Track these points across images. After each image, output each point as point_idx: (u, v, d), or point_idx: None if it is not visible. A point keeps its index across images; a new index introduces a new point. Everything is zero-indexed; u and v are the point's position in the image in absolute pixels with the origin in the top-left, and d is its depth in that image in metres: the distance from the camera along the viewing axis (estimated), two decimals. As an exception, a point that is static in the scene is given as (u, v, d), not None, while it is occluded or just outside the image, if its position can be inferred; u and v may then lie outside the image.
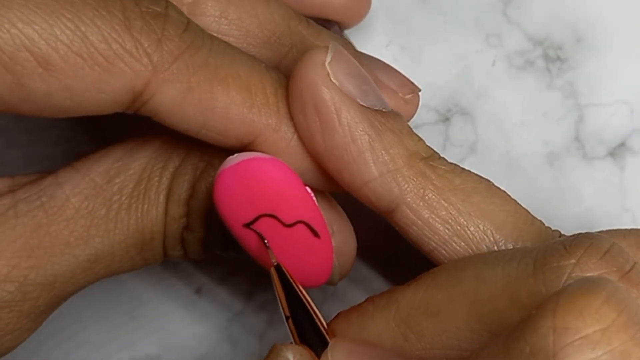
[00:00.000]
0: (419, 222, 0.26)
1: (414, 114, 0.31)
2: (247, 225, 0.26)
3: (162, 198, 0.28)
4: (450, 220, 0.26)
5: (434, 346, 0.25)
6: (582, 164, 0.36)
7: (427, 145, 0.27)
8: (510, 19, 0.37)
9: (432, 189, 0.26)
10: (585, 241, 0.24)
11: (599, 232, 0.27)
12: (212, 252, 0.29)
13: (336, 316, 0.27)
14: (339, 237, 0.28)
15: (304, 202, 0.27)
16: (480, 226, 0.26)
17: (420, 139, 0.27)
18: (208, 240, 0.29)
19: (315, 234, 0.27)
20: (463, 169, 0.27)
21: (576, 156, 0.36)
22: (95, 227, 0.27)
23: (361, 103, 0.26)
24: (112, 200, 0.27)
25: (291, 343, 0.26)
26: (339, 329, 0.27)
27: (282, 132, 0.26)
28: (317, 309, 0.26)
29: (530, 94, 0.36)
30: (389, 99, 0.30)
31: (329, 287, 0.35)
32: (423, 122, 0.36)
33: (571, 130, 0.36)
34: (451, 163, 0.27)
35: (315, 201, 0.27)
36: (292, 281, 0.26)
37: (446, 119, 0.36)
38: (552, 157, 0.36)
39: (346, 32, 0.35)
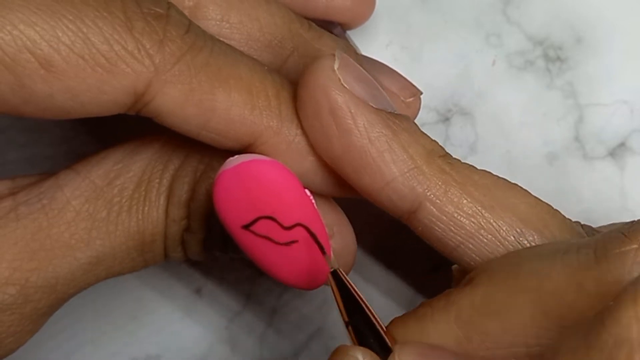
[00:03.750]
0: (444, 217, 0.27)
1: (416, 117, 0.31)
2: (246, 227, 0.26)
3: (162, 200, 0.28)
4: (475, 214, 0.26)
5: (499, 345, 0.25)
6: (582, 164, 0.36)
7: (440, 145, 0.27)
8: (510, 19, 0.37)
9: (454, 184, 0.27)
10: None
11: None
12: (212, 253, 0.29)
13: (391, 322, 0.27)
14: (339, 239, 0.28)
15: (302, 205, 0.27)
16: (505, 219, 0.27)
17: (433, 139, 0.27)
18: (208, 242, 0.29)
19: (313, 236, 0.27)
20: (477, 168, 0.28)
21: (576, 156, 0.36)
22: (96, 229, 0.27)
23: (374, 105, 0.26)
24: (113, 202, 0.27)
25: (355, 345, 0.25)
26: (397, 334, 0.26)
27: (283, 134, 0.26)
28: (376, 313, 0.26)
29: (530, 94, 0.36)
30: None
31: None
32: (423, 122, 0.36)
33: (571, 130, 0.36)
34: (465, 162, 0.28)
35: (314, 204, 0.27)
36: (350, 286, 0.26)
37: (446, 119, 0.36)
38: (552, 157, 0.36)
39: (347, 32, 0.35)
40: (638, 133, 0.36)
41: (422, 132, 0.27)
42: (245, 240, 0.26)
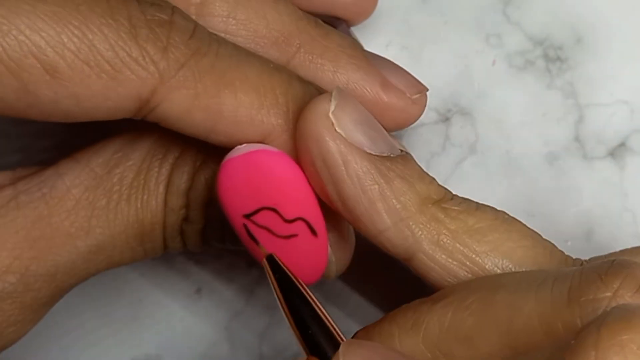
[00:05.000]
0: (436, 267, 0.26)
1: (422, 114, 0.31)
2: (248, 217, 0.26)
3: (161, 189, 0.28)
4: (467, 262, 0.26)
5: None
6: (582, 164, 0.36)
7: (439, 186, 0.27)
8: (510, 19, 0.37)
9: (447, 233, 0.26)
10: (621, 271, 0.23)
11: (619, 252, 0.27)
12: (211, 244, 0.30)
13: (354, 336, 0.27)
14: (338, 233, 0.28)
15: (306, 199, 0.27)
16: (498, 264, 0.26)
17: (432, 180, 0.27)
18: (206, 232, 0.29)
19: (313, 232, 0.27)
20: (477, 204, 0.27)
21: (576, 156, 0.36)
22: (96, 217, 0.27)
23: (368, 151, 0.26)
24: (112, 190, 0.27)
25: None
26: None
27: (292, 131, 0.26)
28: (320, 304, 0.25)
29: (530, 94, 0.36)
30: (397, 99, 0.30)
31: (325, 286, 0.35)
32: (423, 122, 0.36)
33: (571, 130, 0.36)
34: (465, 200, 0.27)
35: (317, 200, 0.27)
36: (290, 274, 0.25)
37: (446, 119, 0.36)
38: (552, 157, 0.36)
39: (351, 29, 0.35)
40: (638, 133, 0.36)
41: (420, 174, 0.27)
42: (246, 230, 0.26)
